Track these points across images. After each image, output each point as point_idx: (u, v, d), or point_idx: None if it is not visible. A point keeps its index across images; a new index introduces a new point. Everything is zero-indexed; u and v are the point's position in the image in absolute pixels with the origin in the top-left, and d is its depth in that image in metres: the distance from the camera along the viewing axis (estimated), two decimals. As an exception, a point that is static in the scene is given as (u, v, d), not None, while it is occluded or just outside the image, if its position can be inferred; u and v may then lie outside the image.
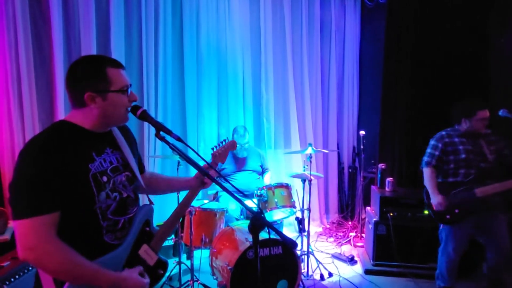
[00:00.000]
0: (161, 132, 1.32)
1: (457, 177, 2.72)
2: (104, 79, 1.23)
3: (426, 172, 2.81)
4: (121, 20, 3.53)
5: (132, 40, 3.66)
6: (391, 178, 3.67)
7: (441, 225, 2.84)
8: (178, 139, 1.30)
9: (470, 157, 2.68)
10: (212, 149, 1.72)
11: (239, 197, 1.33)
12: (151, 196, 1.61)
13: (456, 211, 2.67)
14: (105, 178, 1.27)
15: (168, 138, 1.32)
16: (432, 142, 2.84)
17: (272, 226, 1.20)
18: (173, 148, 1.32)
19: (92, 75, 1.23)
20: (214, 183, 1.38)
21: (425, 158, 2.84)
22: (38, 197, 1.11)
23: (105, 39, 3.46)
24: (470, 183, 2.65)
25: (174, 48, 3.93)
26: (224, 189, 1.27)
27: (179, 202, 1.64)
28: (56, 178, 1.13)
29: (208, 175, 1.35)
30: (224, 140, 1.71)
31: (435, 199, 2.72)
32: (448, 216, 2.69)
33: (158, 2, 3.73)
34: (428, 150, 2.84)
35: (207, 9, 4.05)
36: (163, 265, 1.47)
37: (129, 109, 1.33)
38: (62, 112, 3.21)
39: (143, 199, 1.56)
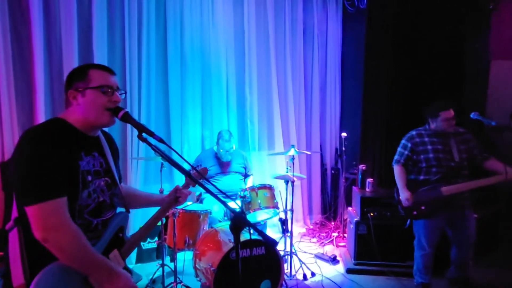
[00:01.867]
0: (143, 134, 1.34)
1: (429, 175, 2.82)
2: (84, 78, 1.34)
3: (395, 169, 2.96)
4: (103, 21, 3.49)
5: (115, 41, 3.62)
6: (371, 179, 3.76)
7: (413, 221, 2.96)
8: (161, 140, 1.31)
9: (439, 156, 2.79)
10: (188, 171, 1.77)
11: (222, 198, 1.36)
12: None
13: (423, 207, 2.79)
14: (89, 178, 1.33)
15: (151, 139, 1.34)
16: (402, 141, 2.97)
17: (253, 225, 1.24)
18: (155, 149, 1.34)
19: (75, 75, 1.36)
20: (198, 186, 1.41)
21: (395, 157, 2.98)
22: (53, 181, 1.19)
23: (87, 40, 3.41)
24: (437, 181, 2.76)
25: (158, 49, 3.91)
26: (207, 190, 1.29)
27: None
28: (59, 165, 1.21)
29: (191, 176, 1.37)
30: (198, 166, 1.79)
31: (403, 195, 2.85)
32: (414, 212, 2.84)
33: (141, 3, 3.71)
34: (398, 149, 2.98)
35: (190, 11, 4.05)
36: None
37: (111, 110, 1.35)
38: (42, 113, 3.14)
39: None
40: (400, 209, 2.95)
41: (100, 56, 3.42)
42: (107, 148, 1.48)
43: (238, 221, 1.19)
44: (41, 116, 3.14)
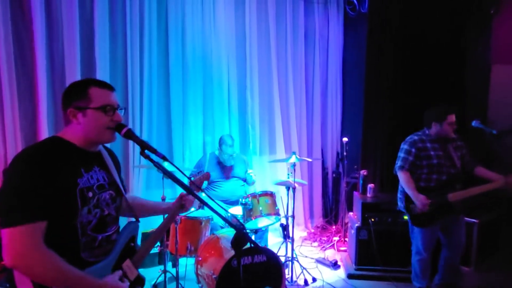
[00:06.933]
0: (145, 151, 1.35)
1: (430, 182, 2.79)
2: (84, 96, 1.32)
3: (402, 176, 2.81)
4: (105, 25, 3.51)
5: (117, 46, 3.64)
6: (373, 184, 3.77)
7: (412, 227, 2.93)
8: (164, 158, 1.33)
9: (441, 162, 2.77)
10: (189, 178, 1.80)
11: (222, 212, 1.38)
12: None
13: (432, 214, 2.76)
14: (90, 194, 1.32)
15: (153, 156, 1.36)
16: (405, 146, 2.86)
17: (255, 242, 1.25)
18: (158, 166, 1.36)
19: (75, 93, 1.34)
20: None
21: (398, 163, 2.85)
22: (28, 206, 1.16)
23: (89, 46, 3.43)
24: (442, 188, 2.74)
25: (160, 54, 3.93)
26: (208, 206, 1.31)
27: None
28: (45, 188, 1.18)
29: (193, 193, 1.39)
30: (200, 172, 1.82)
31: (418, 200, 2.70)
32: (424, 219, 2.77)
33: (143, 9, 3.72)
34: (401, 155, 2.86)
35: (192, 16, 4.07)
36: (141, 282, 1.53)
37: (114, 128, 1.37)
38: (45, 123, 3.16)
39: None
40: (409, 217, 2.86)
41: (102, 62, 3.44)
42: (110, 161, 1.49)
43: (240, 239, 1.21)
44: (44, 125, 3.16)
